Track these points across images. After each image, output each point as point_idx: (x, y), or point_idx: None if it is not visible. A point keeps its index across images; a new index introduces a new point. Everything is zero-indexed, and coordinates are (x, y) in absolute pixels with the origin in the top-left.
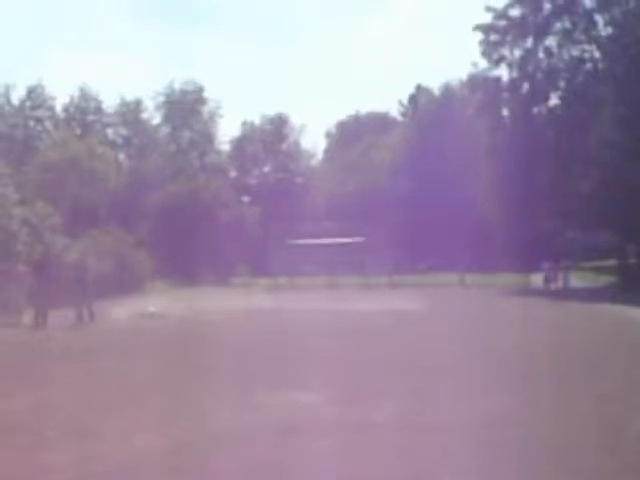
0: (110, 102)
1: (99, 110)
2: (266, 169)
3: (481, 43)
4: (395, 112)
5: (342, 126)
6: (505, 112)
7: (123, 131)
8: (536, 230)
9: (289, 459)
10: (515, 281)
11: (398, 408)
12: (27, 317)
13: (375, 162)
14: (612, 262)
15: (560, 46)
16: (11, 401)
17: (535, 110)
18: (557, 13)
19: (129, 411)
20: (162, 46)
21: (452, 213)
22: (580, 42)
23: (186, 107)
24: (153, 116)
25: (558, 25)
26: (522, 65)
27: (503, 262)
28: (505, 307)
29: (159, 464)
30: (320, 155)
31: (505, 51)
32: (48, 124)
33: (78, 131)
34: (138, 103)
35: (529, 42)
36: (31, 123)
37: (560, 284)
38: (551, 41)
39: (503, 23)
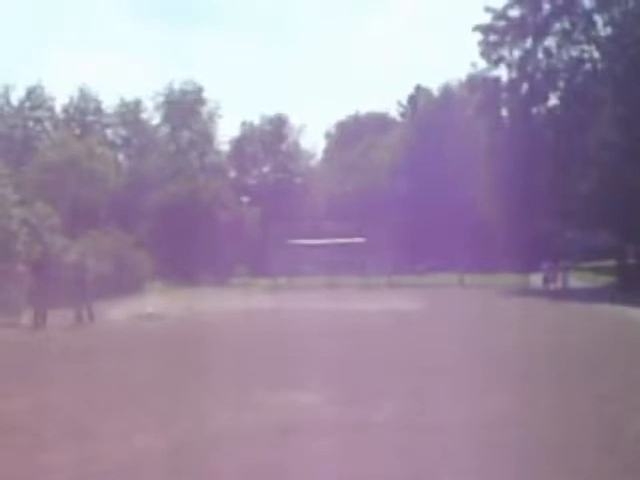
0: (109, 102)
1: (98, 110)
2: (265, 169)
3: (480, 43)
4: (394, 112)
5: (341, 126)
6: (504, 112)
7: (122, 131)
8: (535, 230)
9: (289, 459)
10: (514, 281)
11: (398, 408)
12: (26, 317)
13: (374, 162)
14: (611, 262)
15: (559, 46)
16: (10, 401)
17: (534, 110)
18: (556, 13)
19: (128, 411)
20: (162, 46)
21: (451, 213)
22: (579, 42)
23: (185, 107)
24: (152, 116)
25: (557, 25)
26: (521, 65)
27: (502, 262)
28: (504, 307)
29: (159, 464)
30: (319, 155)
31: (504, 51)
32: (47, 124)
33: (77, 131)
34: (137, 103)
35: (528, 42)
36: (30, 123)
37: (559, 284)
38: (550, 41)
39: (502, 23)
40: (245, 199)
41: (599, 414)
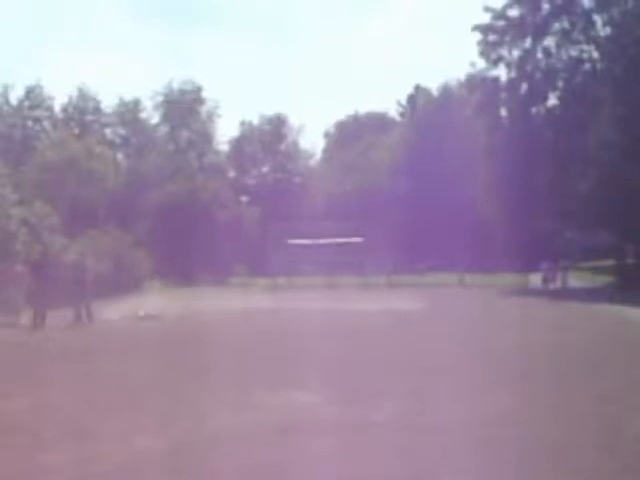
0: (108, 102)
1: (97, 110)
2: (265, 169)
3: (479, 43)
4: (394, 112)
5: (341, 126)
6: (503, 112)
7: (121, 131)
8: (534, 230)
9: (288, 459)
10: (514, 281)
11: (397, 408)
12: (25, 317)
13: (374, 162)
14: (610, 262)
15: (558, 46)
16: (10, 402)
17: (533, 110)
18: (556, 13)
19: (128, 411)
20: (161, 46)
21: (451, 213)
22: (579, 42)
23: (184, 107)
24: (151, 116)
25: (557, 25)
26: (520, 65)
27: (502, 262)
28: (504, 307)
29: (158, 464)
30: (319, 155)
31: (503, 51)
32: (46, 124)
33: (76, 131)
34: (136, 103)
35: (527, 42)
36: (29, 123)
37: (558, 284)
38: (549, 41)
39: (502, 23)
40: (244, 199)
41: (598, 414)
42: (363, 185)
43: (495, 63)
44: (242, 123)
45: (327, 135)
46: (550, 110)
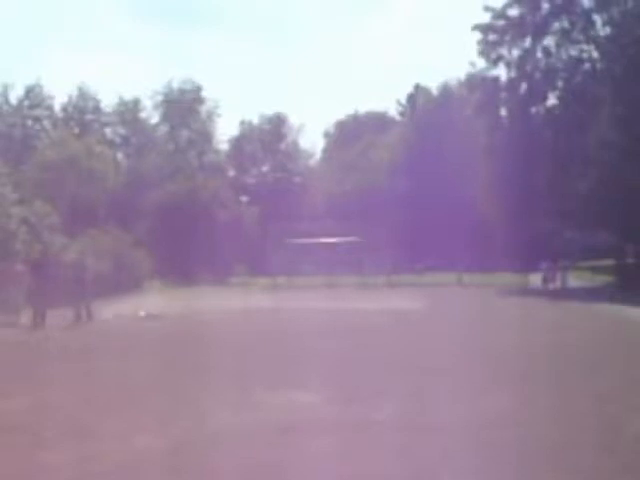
0: (108, 101)
1: (97, 109)
2: (264, 168)
3: (479, 43)
4: (393, 112)
5: (340, 126)
6: (503, 112)
7: (121, 130)
8: (534, 230)
9: (288, 458)
10: (513, 281)
11: (397, 408)
12: (25, 317)
13: (373, 162)
14: (610, 262)
15: (558, 46)
16: (10, 401)
17: (533, 110)
18: (555, 13)
19: (128, 411)
20: (161, 45)
21: (450, 213)
22: (578, 42)
23: (184, 106)
24: (151, 115)
25: (556, 25)
26: (520, 65)
27: (501, 262)
28: (503, 307)
29: (158, 464)
30: (318, 155)
31: (503, 51)
32: (46, 123)
33: (76, 130)
34: (136, 102)
35: (527, 42)
36: (29, 122)
37: (558, 284)
38: (549, 41)
39: (501, 23)
40: (244, 198)
41: (598, 414)
42: (363, 185)
43: (495, 63)
44: (242, 122)
45: (327, 135)
46: (550, 110)
